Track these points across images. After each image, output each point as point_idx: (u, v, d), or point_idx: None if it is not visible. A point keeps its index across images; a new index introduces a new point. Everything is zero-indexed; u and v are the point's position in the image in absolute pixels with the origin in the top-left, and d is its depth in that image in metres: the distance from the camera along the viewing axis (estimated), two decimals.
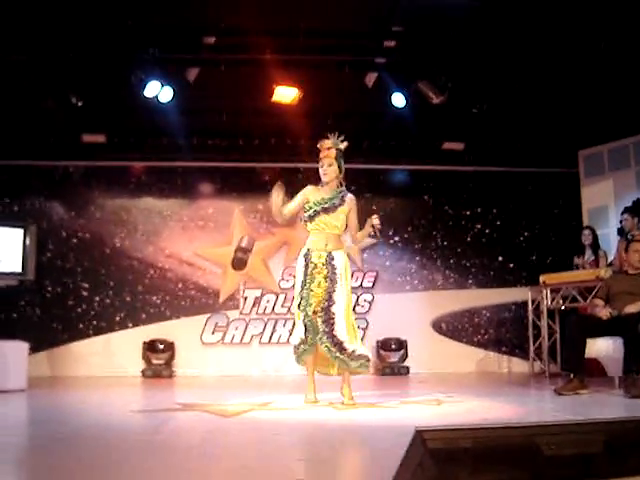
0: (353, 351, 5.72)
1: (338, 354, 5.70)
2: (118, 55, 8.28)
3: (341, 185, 6.02)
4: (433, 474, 1.84)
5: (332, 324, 5.72)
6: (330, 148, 5.92)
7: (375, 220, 5.92)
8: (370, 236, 6.51)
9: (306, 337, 5.83)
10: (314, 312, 5.80)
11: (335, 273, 5.79)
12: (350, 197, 6.00)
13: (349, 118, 9.91)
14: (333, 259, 5.83)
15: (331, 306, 5.74)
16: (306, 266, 5.89)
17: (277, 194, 5.85)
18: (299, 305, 5.90)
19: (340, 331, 5.70)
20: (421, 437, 1.82)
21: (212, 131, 10.47)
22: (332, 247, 5.88)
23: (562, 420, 2.00)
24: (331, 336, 5.70)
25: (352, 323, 5.92)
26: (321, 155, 5.94)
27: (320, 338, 5.75)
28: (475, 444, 1.81)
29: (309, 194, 5.97)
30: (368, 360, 5.83)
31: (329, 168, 5.92)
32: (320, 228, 5.91)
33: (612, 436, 1.86)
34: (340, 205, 5.91)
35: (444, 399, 6.17)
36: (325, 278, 5.80)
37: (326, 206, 5.88)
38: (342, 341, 5.69)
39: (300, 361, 6.03)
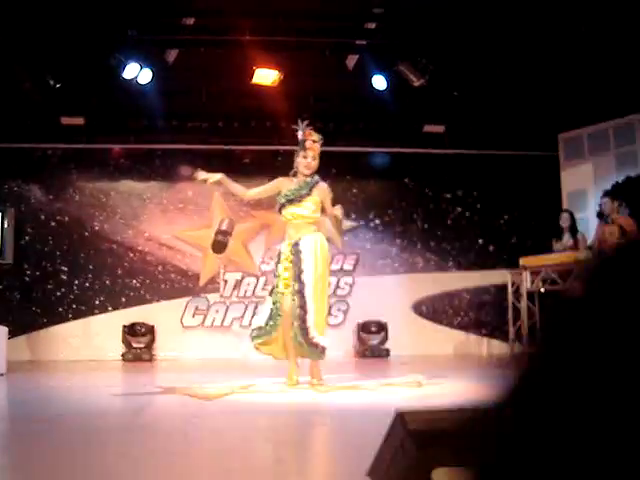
0: (312, 337, 5.76)
1: (300, 338, 5.75)
2: (97, 36, 8.19)
3: (312, 176, 6.03)
4: (414, 456, 1.84)
5: (305, 309, 5.75)
6: (316, 142, 5.95)
7: (337, 211, 6.07)
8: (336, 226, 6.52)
9: (267, 323, 5.94)
10: (284, 294, 5.88)
11: (300, 258, 5.83)
12: (322, 186, 6.02)
13: (330, 100, 9.92)
14: (298, 245, 5.88)
15: (303, 289, 5.77)
16: (278, 256, 6.09)
17: (227, 184, 6.24)
18: (271, 292, 6.13)
19: (310, 315, 5.75)
20: (402, 419, 1.81)
21: (192, 113, 10.40)
22: (301, 234, 5.94)
23: None
24: (303, 320, 5.74)
25: (322, 308, 5.97)
26: (307, 145, 5.93)
27: (293, 322, 5.79)
28: (458, 425, 1.81)
29: (282, 185, 6.07)
30: (323, 352, 5.85)
31: (314, 162, 5.95)
32: (289, 219, 6.02)
33: None
34: (307, 195, 5.94)
35: (425, 381, 6.19)
36: (291, 262, 5.87)
37: (291, 197, 5.94)
38: (308, 326, 5.74)
39: (256, 343, 6.08)
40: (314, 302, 5.78)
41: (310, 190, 5.95)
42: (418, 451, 1.88)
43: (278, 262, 6.06)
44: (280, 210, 6.08)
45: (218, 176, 6.12)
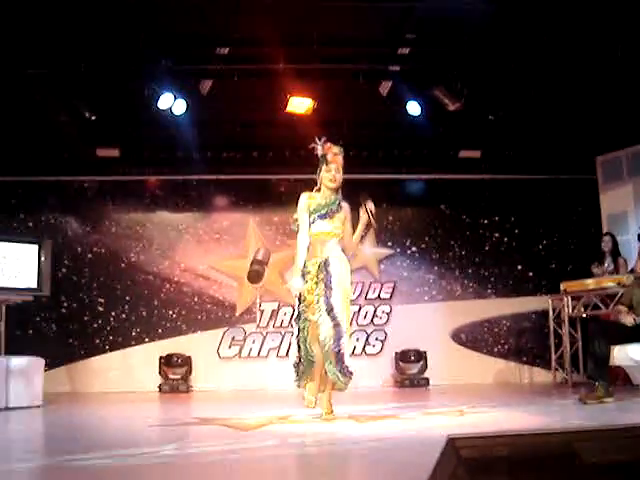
0: (347, 366, 5.43)
1: (334, 366, 5.41)
2: (131, 67, 8.25)
3: (337, 192, 5.78)
4: None
5: (339, 338, 5.40)
6: (337, 154, 5.72)
7: (370, 203, 5.70)
8: (366, 226, 5.89)
9: (299, 350, 5.64)
10: (312, 321, 5.53)
11: (330, 279, 5.51)
12: (345, 205, 5.78)
13: (364, 128, 9.87)
14: (329, 265, 5.56)
15: (332, 310, 5.43)
16: (303, 277, 5.64)
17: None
18: (297, 319, 5.69)
19: (344, 341, 5.43)
20: (453, 445, 1.71)
21: (226, 143, 10.43)
22: (330, 252, 5.63)
23: (602, 425, 1.88)
24: (337, 345, 5.39)
25: (349, 333, 5.67)
26: (329, 159, 5.69)
27: (325, 346, 5.42)
28: (511, 452, 1.71)
29: (309, 203, 5.75)
30: (349, 381, 5.51)
31: (338, 174, 5.69)
32: (318, 235, 5.67)
33: None
34: (337, 212, 5.70)
35: (467, 410, 6.05)
36: (317, 283, 5.54)
37: (323, 212, 5.67)
38: (343, 353, 5.42)
39: (300, 383, 5.76)
40: (346, 325, 5.50)
41: (339, 206, 5.72)
42: (471, 479, 1.77)
43: (305, 283, 5.64)
44: (309, 226, 5.70)
45: (299, 275, 5.66)
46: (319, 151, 5.74)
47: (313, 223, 5.67)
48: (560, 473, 1.72)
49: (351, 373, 5.44)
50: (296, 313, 5.69)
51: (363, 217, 5.72)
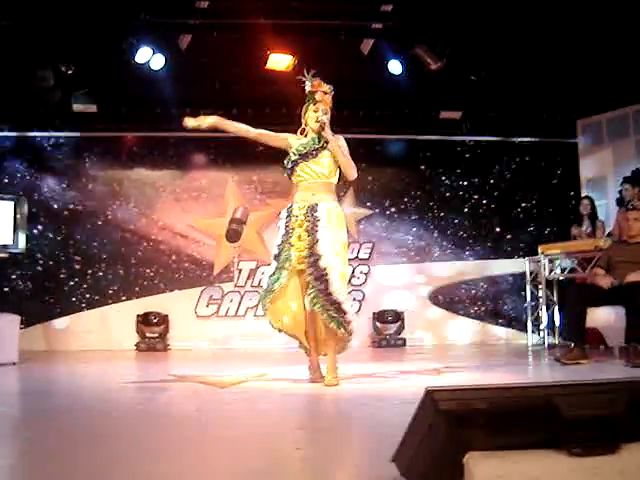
0: (350, 321, 4.97)
1: (335, 314, 4.91)
2: (109, 21, 8.07)
3: (324, 132, 5.19)
4: (445, 439, 1.72)
5: (326, 281, 4.91)
6: (327, 93, 5.28)
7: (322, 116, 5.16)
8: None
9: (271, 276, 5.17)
10: (299, 271, 5.10)
11: (317, 225, 5.03)
12: (333, 138, 5.18)
13: (345, 86, 9.67)
14: (315, 210, 5.08)
15: (317, 261, 4.95)
16: (288, 218, 5.23)
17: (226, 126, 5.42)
18: (276, 257, 5.21)
19: (338, 289, 4.93)
20: (432, 398, 1.69)
21: (205, 100, 10.24)
22: (319, 198, 5.14)
23: (581, 380, 1.87)
24: (326, 294, 4.90)
25: (345, 283, 5.19)
26: (317, 98, 5.22)
27: (313, 299, 4.97)
28: (490, 405, 1.69)
29: (292, 141, 5.30)
30: (351, 335, 5.07)
31: (326, 117, 5.17)
32: (303, 178, 5.21)
33: (635, 397, 1.74)
34: (323, 148, 5.19)
35: (443, 369, 6.08)
36: (306, 231, 5.07)
37: (304, 152, 5.18)
38: (340, 302, 4.93)
39: (266, 308, 5.21)
40: (339, 276, 4.99)
41: (326, 142, 5.17)
42: (450, 433, 1.75)
43: (289, 226, 5.19)
44: (292, 171, 5.26)
45: (211, 119, 5.31)
46: (307, 87, 5.31)
47: (297, 165, 5.21)
48: (539, 426, 1.70)
49: (351, 329, 5.01)
50: (274, 252, 5.25)
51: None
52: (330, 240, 5.03)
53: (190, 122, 5.32)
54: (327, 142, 5.18)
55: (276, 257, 5.22)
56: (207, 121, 5.32)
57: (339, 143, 5.21)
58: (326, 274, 4.93)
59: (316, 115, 5.21)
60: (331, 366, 5.08)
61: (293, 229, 5.15)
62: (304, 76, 5.36)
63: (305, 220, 5.10)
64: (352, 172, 5.25)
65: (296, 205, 5.21)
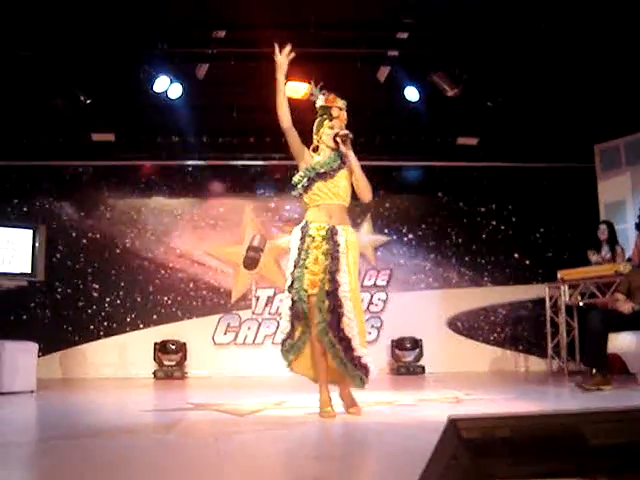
0: (359, 357, 4.64)
1: (341, 353, 4.60)
2: (127, 50, 8.17)
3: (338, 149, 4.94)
4: (468, 467, 1.68)
5: (340, 314, 4.59)
6: (342, 109, 5.01)
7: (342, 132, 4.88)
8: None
9: (293, 328, 4.81)
10: (311, 295, 4.70)
11: (338, 250, 4.69)
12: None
13: (361, 113, 9.74)
14: (336, 234, 4.74)
15: (337, 289, 4.61)
16: (302, 240, 4.83)
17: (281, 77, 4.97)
18: (290, 287, 4.79)
19: (350, 324, 4.60)
20: (454, 426, 1.66)
21: (222, 129, 10.34)
22: (337, 221, 4.80)
23: (606, 407, 1.83)
24: (337, 329, 4.59)
25: (362, 318, 4.87)
26: (334, 114, 4.94)
27: (321, 330, 4.62)
28: (514, 434, 1.66)
29: (307, 156, 4.96)
30: (367, 375, 4.71)
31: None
32: (320, 198, 4.85)
33: None
34: (340, 169, 4.88)
35: (463, 397, 6.01)
36: (325, 255, 4.71)
37: (322, 171, 4.84)
38: (350, 338, 4.60)
39: (287, 361, 4.89)
40: (354, 309, 4.65)
41: (343, 163, 4.88)
42: (473, 462, 1.72)
43: (303, 249, 4.80)
44: (306, 189, 4.88)
45: (282, 71, 4.98)
46: (319, 101, 5.06)
47: (313, 184, 4.84)
48: (563, 455, 1.67)
49: (364, 366, 4.66)
50: (288, 282, 4.83)
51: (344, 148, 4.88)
52: (351, 269, 4.74)
53: (278, 59, 5.00)
54: (345, 159, 4.90)
55: (290, 288, 4.83)
56: (282, 69, 5.00)
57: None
58: (341, 307, 4.61)
59: (333, 132, 4.93)
60: (348, 396, 4.86)
61: (308, 250, 4.77)
62: (313, 90, 5.15)
63: (324, 242, 4.74)
64: (369, 193, 4.96)
65: (313, 225, 4.83)
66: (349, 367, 4.64)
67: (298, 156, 4.99)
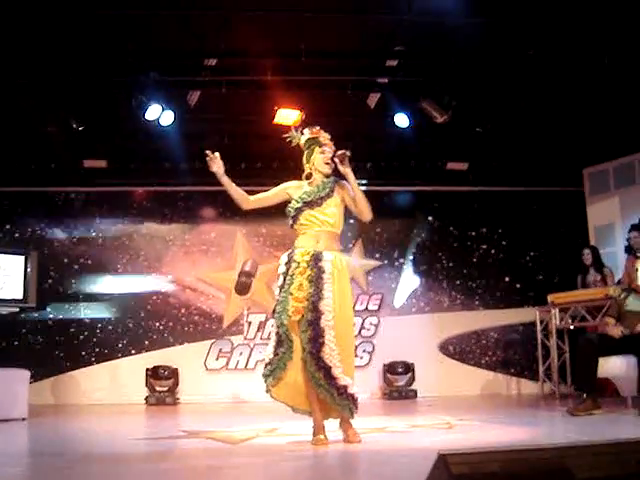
0: (344, 386, 4.61)
1: (322, 382, 4.59)
2: (118, 79, 8.24)
3: (329, 176, 5.01)
4: None
5: (320, 343, 4.58)
6: (329, 140, 5.04)
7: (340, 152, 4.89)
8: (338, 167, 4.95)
9: (276, 353, 4.77)
10: (294, 323, 4.69)
11: (322, 277, 4.69)
12: (341, 183, 4.97)
13: (352, 139, 9.83)
14: (320, 260, 4.75)
15: (318, 319, 4.61)
16: (287, 265, 4.86)
17: (228, 185, 5.01)
18: (273, 312, 4.85)
19: (331, 353, 4.58)
20: (444, 461, 1.70)
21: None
22: (324, 246, 4.83)
23: (592, 441, 1.87)
24: (317, 358, 4.57)
25: (349, 346, 4.84)
26: (322, 141, 4.98)
27: (302, 359, 4.67)
28: (502, 468, 1.69)
29: (292, 191, 5.02)
30: (355, 404, 4.70)
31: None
32: (307, 226, 4.90)
33: None
34: (328, 197, 4.90)
35: (455, 422, 6.03)
36: (310, 281, 4.70)
37: (309, 200, 4.89)
38: (330, 366, 4.57)
39: (266, 384, 4.85)
40: (336, 337, 4.63)
41: (332, 191, 4.92)
42: None
43: (288, 275, 4.81)
44: (295, 219, 4.95)
45: (224, 179, 4.96)
46: (304, 137, 5.08)
47: (300, 213, 4.90)
48: None
49: (349, 395, 4.64)
50: (273, 307, 4.88)
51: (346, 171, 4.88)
52: (336, 297, 4.71)
53: (213, 166, 4.93)
54: (332, 192, 4.93)
55: (273, 313, 4.87)
56: (220, 175, 4.96)
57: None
58: (322, 336, 4.60)
59: (325, 155, 4.96)
60: (344, 424, 4.81)
61: (293, 276, 4.76)
62: (292, 133, 5.19)
63: (308, 268, 4.74)
64: (369, 212, 4.93)
65: (298, 251, 4.86)
66: (335, 396, 4.61)
67: (285, 199, 5.08)
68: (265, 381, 4.85)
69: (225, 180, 5.00)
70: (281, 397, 4.91)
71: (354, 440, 4.69)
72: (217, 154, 4.93)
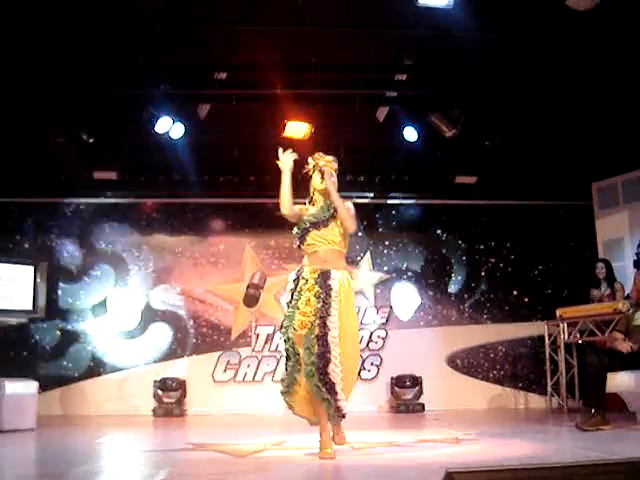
0: (339, 398, 4.77)
1: (327, 396, 4.73)
2: (129, 91, 8.31)
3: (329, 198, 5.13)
4: None
5: (327, 359, 4.72)
6: (330, 162, 5.18)
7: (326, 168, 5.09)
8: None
9: (286, 368, 4.97)
10: (300, 336, 4.83)
11: (330, 295, 4.83)
12: (342, 200, 5.08)
13: (361, 153, 9.89)
14: (328, 278, 4.90)
15: (327, 334, 4.74)
16: (296, 281, 5.05)
17: (286, 174, 5.10)
18: (281, 327, 5.03)
19: (335, 370, 4.73)
20: (452, 479, 1.70)
21: (223, 167, 10.44)
22: (331, 265, 4.98)
23: (600, 459, 1.88)
24: (324, 373, 4.71)
25: (351, 366, 4.94)
26: (320, 164, 5.14)
27: (308, 373, 4.76)
28: None
29: (302, 211, 5.18)
30: (341, 418, 4.90)
31: (332, 178, 5.11)
32: (315, 246, 5.05)
33: None
34: (333, 217, 5.06)
35: (462, 437, 6.02)
36: (317, 297, 4.84)
37: (314, 221, 5.06)
38: (334, 383, 4.72)
39: (287, 404, 5.05)
40: (341, 354, 4.77)
41: (335, 212, 5.06)
42: None
43: (296, 291, 4.99)
44: (302, 240, 5.10)
45: (287, 174, 5.10)
46: (309, 164, 5.24)
47: (307, 234, 5.06)
48: None
49: (340, 409, 4.79)
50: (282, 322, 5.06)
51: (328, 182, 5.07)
52: (342, 313, 4.85)
53: (281, 160, 5.16)
54: (334, 214, 5.06)
55: (280, 328, 5.06)
56: (286, 171, 5.12)
57: (346, 205, 5.08)
58: (329, 351, 4.74)
59: (318, 177, 5.15)
60: (334, 429, 5.01)
61: (301, 292, 4.93)
62: (306, 165, 5.26)
63: (316, 285, 4.89)
64: (352, 223, 5.07)
65: (307, 268, 5.04)
66: (333, 406, 4.78)
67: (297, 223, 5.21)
68: (284, 398, 5.04)
69: (287, 177, 5.14)
70: (304, 413, 5.06)
71: (341, 442, 5.02)
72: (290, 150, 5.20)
